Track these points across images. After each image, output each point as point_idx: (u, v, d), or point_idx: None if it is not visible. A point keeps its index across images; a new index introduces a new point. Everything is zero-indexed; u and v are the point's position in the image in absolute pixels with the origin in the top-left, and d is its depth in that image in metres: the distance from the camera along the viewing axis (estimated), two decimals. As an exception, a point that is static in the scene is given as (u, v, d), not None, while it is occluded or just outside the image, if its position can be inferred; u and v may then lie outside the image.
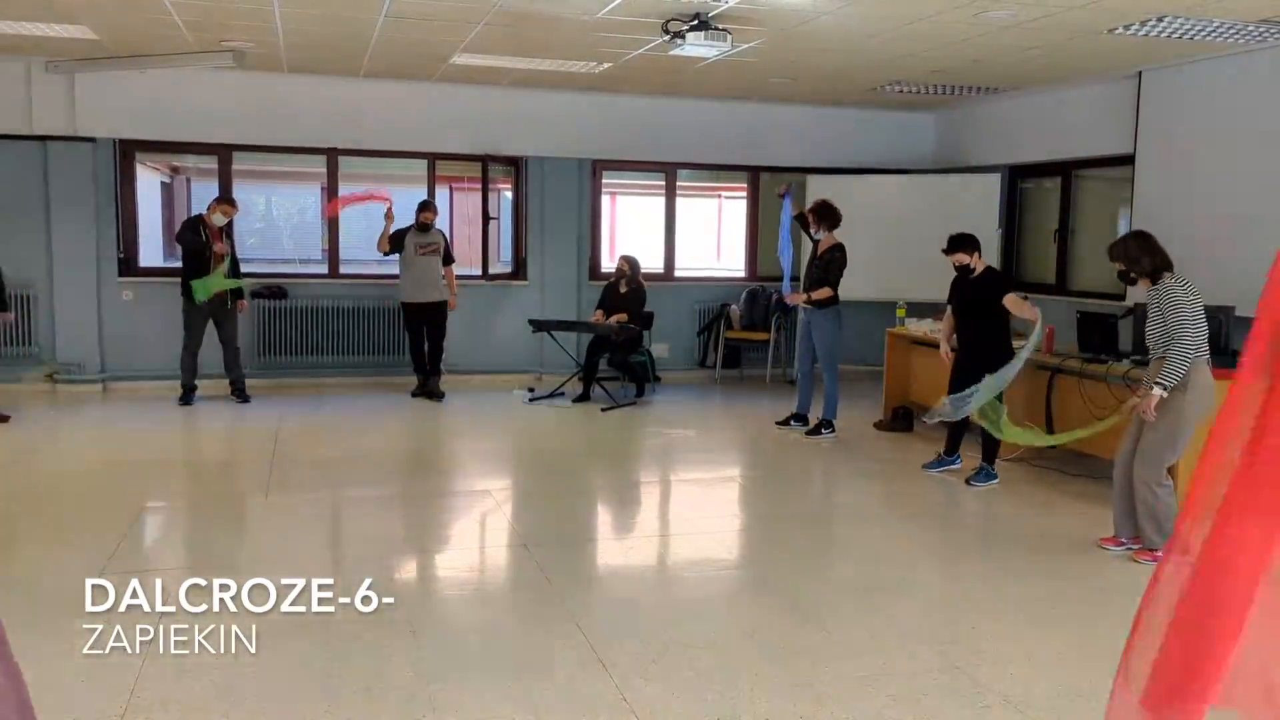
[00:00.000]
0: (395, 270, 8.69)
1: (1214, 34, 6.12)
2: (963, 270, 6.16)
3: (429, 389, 8.60)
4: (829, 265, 7.21)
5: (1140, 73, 7.55)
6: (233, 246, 8.21)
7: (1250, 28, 5.95)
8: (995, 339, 6.00)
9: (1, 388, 8.09)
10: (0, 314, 7.40)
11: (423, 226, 8.46)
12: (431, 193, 9.37)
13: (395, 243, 8.44)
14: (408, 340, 8.73)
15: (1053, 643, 3.83)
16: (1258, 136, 6.67)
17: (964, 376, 5.94)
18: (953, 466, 6.35)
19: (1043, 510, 5.68)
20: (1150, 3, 5.52)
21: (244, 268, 8.53)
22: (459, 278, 8.83)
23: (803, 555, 4.90)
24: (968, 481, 6.09)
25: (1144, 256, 4.71)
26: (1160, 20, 5.87)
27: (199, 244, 7.91)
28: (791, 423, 7.64)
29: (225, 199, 8.18)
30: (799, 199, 7.79)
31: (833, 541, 5.34)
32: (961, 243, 6.12)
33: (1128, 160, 7.79)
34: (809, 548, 5.10)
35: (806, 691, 3.30)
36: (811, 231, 7.36)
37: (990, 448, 6.08)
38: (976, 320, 6.10)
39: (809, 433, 7.41)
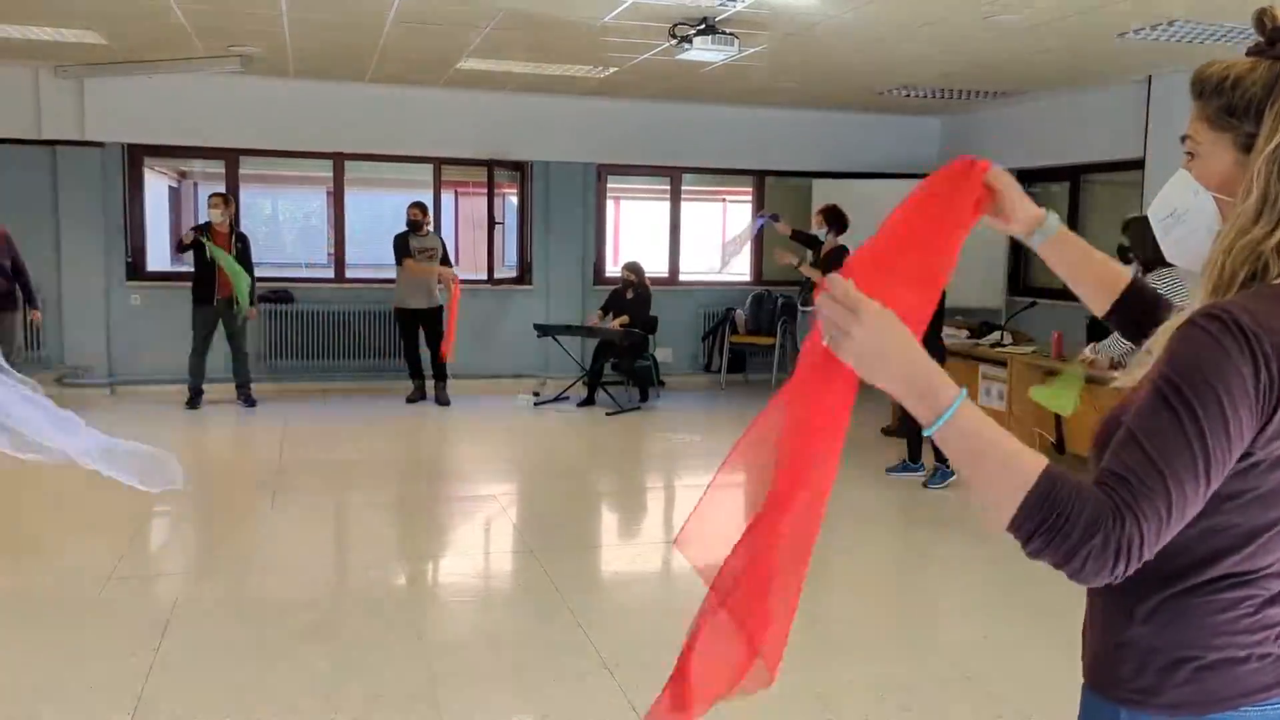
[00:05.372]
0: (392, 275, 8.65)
1: (1225, 38, 6.08)
2: None
3: (437, 395, 8.56)
4: (830, 269, 7.24)
5: (1150, 77, 7.52)
6: (245, 244, 8.12)
7: (1260, 32, 5.92)
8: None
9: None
10: (31, 311, 7.46)
11: (414, 225, 8.40)
12: (436, 197, 9.37)
13: (400, 247, 8.41)
14: (403, 346, 8.63)
15: (1067, 653, 3.80)
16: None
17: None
18: (916, 474, 6.36)
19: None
20: (1161, 7, 5.50)
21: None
22: (465, 282, 8.79)
23: (810, 561, 4.87)
24: (925, 485, 6.16)
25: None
26: (1171, 24, 5.84)
27: (199, 246, 7.88)
28: None
29: (218, 194, 8.13)
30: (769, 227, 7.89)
31: (840, 548, 5.31)
32: None
33: (1138, 165, 7.75)
34: (816, 554, 5.03)
35: (816, 702, 3.28)
36: (818, 232, 7.37)
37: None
38: None
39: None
